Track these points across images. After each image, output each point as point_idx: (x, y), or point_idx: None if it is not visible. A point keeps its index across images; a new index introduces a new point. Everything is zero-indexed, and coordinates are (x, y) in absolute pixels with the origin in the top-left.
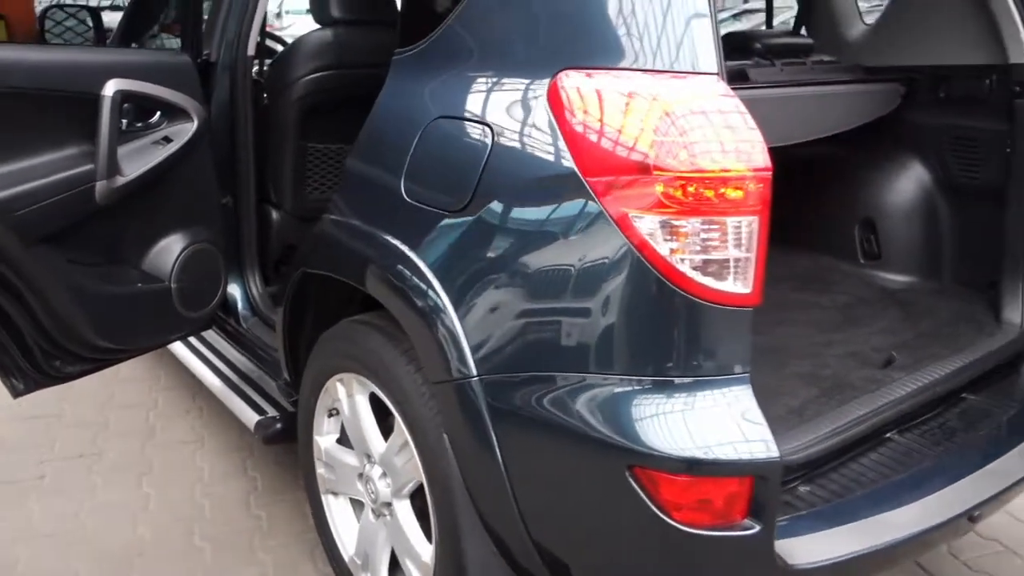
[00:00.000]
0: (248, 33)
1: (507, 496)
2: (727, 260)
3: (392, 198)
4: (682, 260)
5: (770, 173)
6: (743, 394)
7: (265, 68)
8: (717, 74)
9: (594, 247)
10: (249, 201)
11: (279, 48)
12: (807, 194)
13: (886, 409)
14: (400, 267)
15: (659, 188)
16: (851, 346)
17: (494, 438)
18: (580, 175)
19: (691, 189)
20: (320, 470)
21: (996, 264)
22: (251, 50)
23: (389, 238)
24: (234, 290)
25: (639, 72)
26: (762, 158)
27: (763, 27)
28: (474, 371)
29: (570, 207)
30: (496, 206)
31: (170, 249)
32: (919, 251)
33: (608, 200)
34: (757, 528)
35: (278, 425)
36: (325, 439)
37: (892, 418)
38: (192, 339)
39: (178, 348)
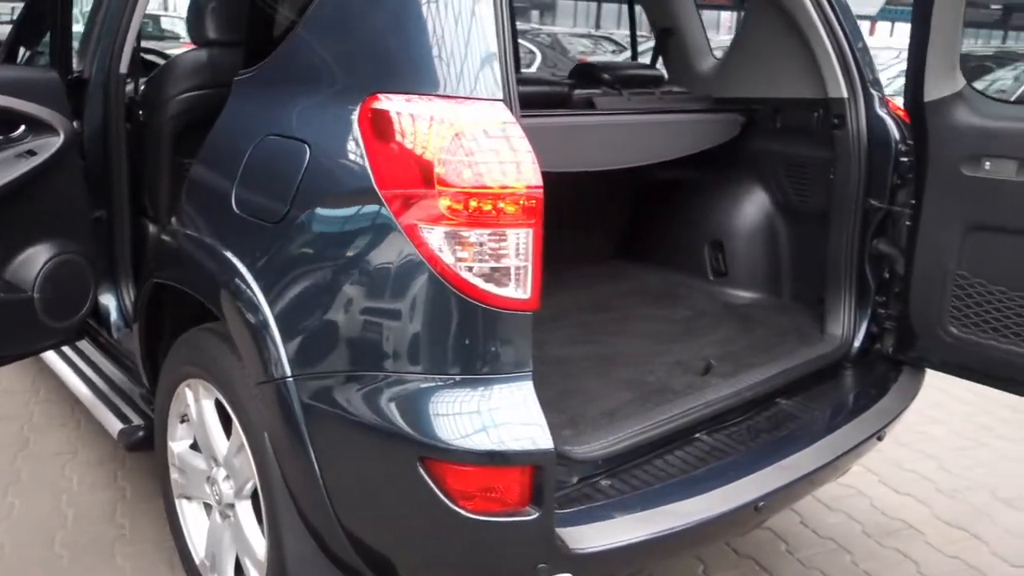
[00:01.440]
0: (121, 50)
1: (320, 490)
2: (507, 268)
3: (224, 210)
4: (466, 268)
5: (541, 190)
6: (524, 391)
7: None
8: (503, 101)
9: (389, 256)
10: (123, 215)
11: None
12: (663, 215)
13: (694, 412)
14: (225, 273)
15: (444, 202)
16: (681, 355)
17: (306, 434)
18: (377, 189)
19: (473, 203)
20: (174, 475)
21: (824, 282)
22: (124, 67)
23: (217, 245)
24: (108, 301)
25: (436, 97)
26: (535, 177)
27: None
28: (288, 372)
29: (369, 219)
30: (308, 218)
31: (34, 260)
32: (761, 269)
33: (400, 213)
34: (536, 514)
35: (140, 433)
36: (178, 444)
37: (702, 419)
38: (67, 349)
39: (51, 358)
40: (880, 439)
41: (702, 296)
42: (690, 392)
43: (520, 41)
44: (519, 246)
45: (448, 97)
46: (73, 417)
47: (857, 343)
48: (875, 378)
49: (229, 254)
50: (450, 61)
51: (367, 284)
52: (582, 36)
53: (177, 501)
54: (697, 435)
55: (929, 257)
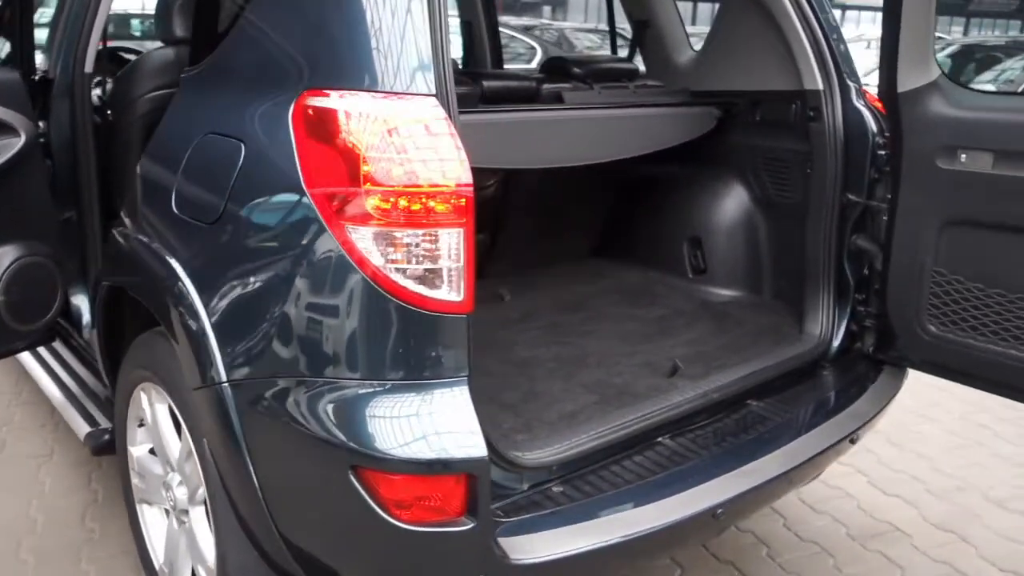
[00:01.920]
0: (85, 49)
1: (258, 498)
2: (438, 269)
3: (165, 210)
4: (396, 270)
5: (472, 189)
6: (459, 397)
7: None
8: (436, 96)
9: (319, 258)
10: (93, 216)
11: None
12: (643, 212)
13: (657, 415)
14: (166, 276)
15: (372, 201)
16: (650, 356)
17: (243, 440)
18: (305, 188)
19: (402, 203)
20: (134, 480)
21: (803, 279)
22: (89, 66)
23: (157, 246)
24: (79, 303)
25: (366, 93)
26: (465, 175)
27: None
28: (224, 376)
29: (299, 220)
30: (241, 219)
31: None
32: (741, 267)
33: (327, 212)
34: (472, 524)
35: (106, 437)
36: (138, 449)
37: (665, 423)
38: (42, 351)
39: (26, 359)
40: (853, 442)
41: (680, 295)
42: (654, 395)
43: (521, 37)
44: (450, 247)
45: (378, 92)
46: (53, 419)
47: (836, 342)
48: (853, 378)
49: (168, 255)
50: (382, 57)
51: (298, 287)
52: (590, 31)
53: (138, 506)
54: (660, 439)
55: (906, 253)
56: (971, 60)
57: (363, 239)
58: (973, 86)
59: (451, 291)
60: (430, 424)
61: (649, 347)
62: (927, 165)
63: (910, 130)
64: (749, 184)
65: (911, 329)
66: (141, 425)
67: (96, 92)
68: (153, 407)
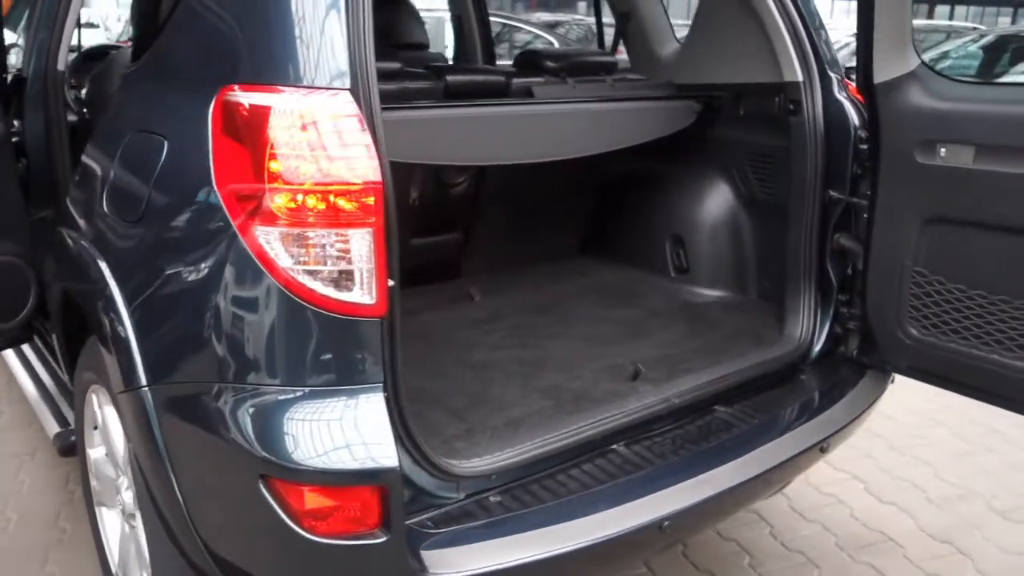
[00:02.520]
0: (57, 47)
1: (179, 505)
2: (348, 271)
3: (97, 210)
4: (304, 271)
5: (382, 187)
6: (371, 404)
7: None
8: (350, 91)
9: (230, 260)
10: None
11: None
12: (626, 209)
13: (610, 421)
14: (93, 276)
15: (277, 200)
16: (615, 360)
17: (163, 445)
18: (216, 187)
19: (308, 202)
20: (92, 482)
21: (784, 279)
22: (62, 64)
23: (88, 245)
24: None
25: (278, 88)
26: (375, 172)
27: None
28: (144, 380)
29: (210, 220)
30: (159, 219)
31: None
32: (724, 266)
33: (235, 212)
34: (385, 538)
35: (73, 438)
36: (95, 451)
37: (620, 429)
38: (26, 349)
39: (9, 357)
40: (824, 450)
41: (660, 295)
42: (610, 400)
43: (543, 34)
44: (359, 247)
45: (290, 88)
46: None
47: (818, 345)
48: (832, 383)
49: (98, 256)
50: (298, 52)
51: (211, 290)
52: None
53: (96, 508)
54: (614, 446)
55: (885, 253)
56: (1006, 51)
57: (271, 240)
58: (953, 76)
59: (363, 294)
60: (339, 433)
61: (615, 350)
62: (905, 160)
63: (887, 123)
64: (733, 181)
65: (892, 332)
66: (96, 428)
67: (75, 91)
68: (102, 409)
